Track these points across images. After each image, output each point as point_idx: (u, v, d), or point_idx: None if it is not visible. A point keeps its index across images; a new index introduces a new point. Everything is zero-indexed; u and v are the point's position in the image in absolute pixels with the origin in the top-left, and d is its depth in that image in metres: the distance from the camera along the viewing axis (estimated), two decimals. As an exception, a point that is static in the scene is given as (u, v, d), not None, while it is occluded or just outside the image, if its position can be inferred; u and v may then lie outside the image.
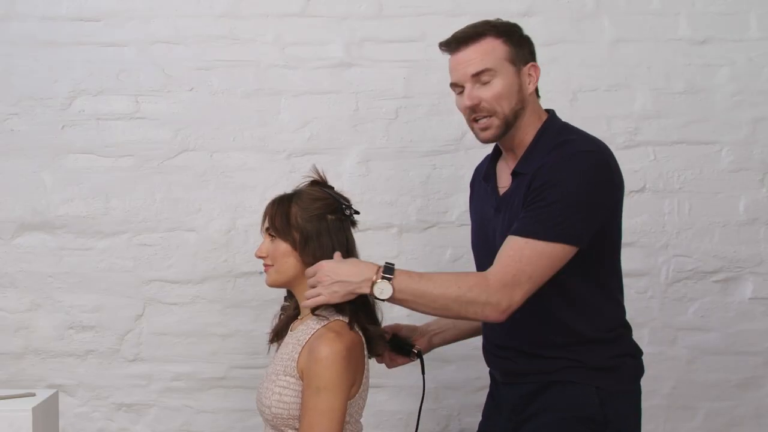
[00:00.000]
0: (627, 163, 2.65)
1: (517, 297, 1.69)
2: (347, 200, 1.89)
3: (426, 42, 2.62)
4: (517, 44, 1.83)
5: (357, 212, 1.90)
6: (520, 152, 1.84)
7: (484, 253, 1.91)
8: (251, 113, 2.64)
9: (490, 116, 1.80)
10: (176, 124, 2.64)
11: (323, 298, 1.74)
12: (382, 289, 1.70)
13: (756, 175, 2.67)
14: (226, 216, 2.64)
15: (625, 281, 2.62)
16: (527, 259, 1.68)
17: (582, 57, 2.66)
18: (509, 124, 1.80)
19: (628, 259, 2.63)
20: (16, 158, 2.62)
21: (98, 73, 2.63)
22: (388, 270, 1.71)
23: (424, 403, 2.04)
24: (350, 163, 2.65)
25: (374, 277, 1.70)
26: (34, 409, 1.86)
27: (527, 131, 1.83)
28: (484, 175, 1.95)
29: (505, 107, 1.79)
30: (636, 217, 2.66)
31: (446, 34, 2.60)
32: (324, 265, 1.75)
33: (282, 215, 1.84)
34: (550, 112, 1.91)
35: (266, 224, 1.88)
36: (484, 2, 2.63)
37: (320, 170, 1.94)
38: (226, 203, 2.64)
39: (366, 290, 1.71)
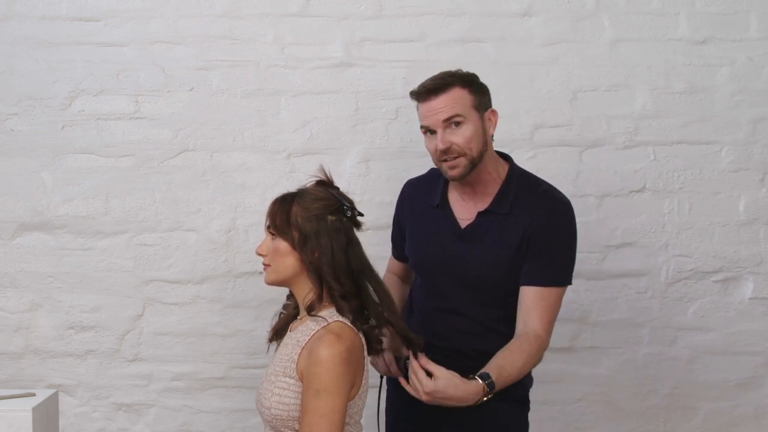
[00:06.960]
0: (627, 163, 2.66)
1: (551, 333, 2.04)
2: (350, 201, 1.88)
3: (426, 42, 2.63)
4: (479, 92, 2.04)
5: (360, 214, 1.88)
6: (484, 190, 2.07)
7: (433, 268, 2.10)
8: (251, 113, 2.64)
9: (459, 157, 2.01)
10: (176, 124, 2.64)
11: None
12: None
13: (756, 175, 2.67)
14: (226, 216, 2.64)
15: (625, 281, 2.65)
16: (554, 303, 2.03)
17: (582, 57, 2.66)
18: (475, 164, 2.02)
19: (628, 259, 2.66)
20: (16, 158, 2.62)
21: (98, 73, 2.63)
22: (491, 386, 1.90)
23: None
24: (350, 163, 2.65)
25: (483, 396, 1.90)
26: (34, 409, 1.86)
27: (489, 170, 2.06)
28: (439, 202, 2.13)
29: (474, 149, 2.00)
30: (636, 217, 2.66)
31: (446, 34, 2.64)
32: (439, 391, 1.87)
33: (283, 214, 1.83)
34: (509, 159, 2.13)
35: (268, 222, 1.87)
36: (484, 2, 2.64)
37: (327, 170, 1.93)
38: (226, 203, 2.64)
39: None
